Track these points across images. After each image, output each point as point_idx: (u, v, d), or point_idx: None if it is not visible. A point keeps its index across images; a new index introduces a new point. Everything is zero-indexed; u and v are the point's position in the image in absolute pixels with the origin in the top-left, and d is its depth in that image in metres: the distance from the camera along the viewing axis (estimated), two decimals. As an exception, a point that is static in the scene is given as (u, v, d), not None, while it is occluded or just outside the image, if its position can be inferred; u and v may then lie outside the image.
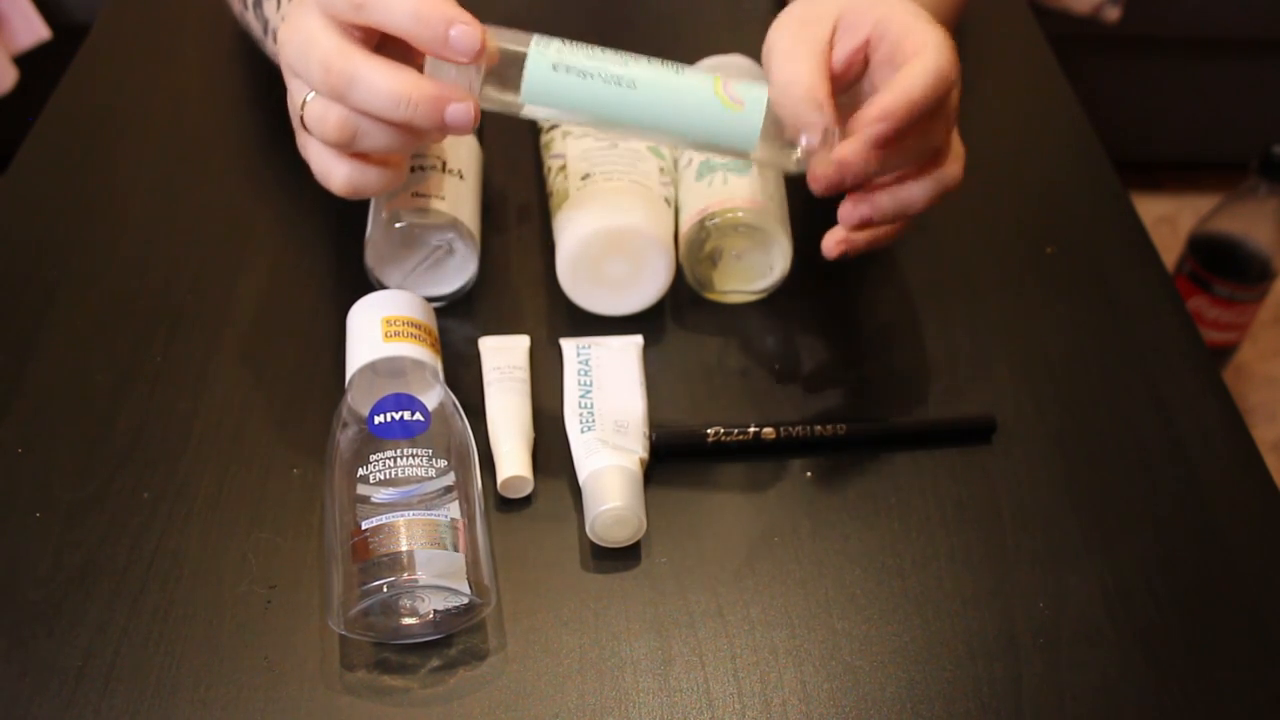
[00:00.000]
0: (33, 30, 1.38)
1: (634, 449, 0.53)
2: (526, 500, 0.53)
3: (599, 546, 0.51)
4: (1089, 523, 0.53)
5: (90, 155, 0.70)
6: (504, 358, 0.57)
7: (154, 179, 0.68)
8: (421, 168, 0.59)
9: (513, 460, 0.53)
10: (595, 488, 0.50)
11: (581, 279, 0.59)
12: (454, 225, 0.58)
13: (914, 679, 0.47)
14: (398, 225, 0.57)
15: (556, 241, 0.59)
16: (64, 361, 0.58)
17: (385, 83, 0.47)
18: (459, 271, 0.60)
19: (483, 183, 0.64)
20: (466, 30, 0.46)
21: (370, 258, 0.58)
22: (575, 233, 0.57)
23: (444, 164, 0.60)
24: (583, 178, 0.60)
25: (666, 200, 0.60)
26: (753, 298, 0.62)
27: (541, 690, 0.47)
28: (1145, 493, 0.54)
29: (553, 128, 0.65)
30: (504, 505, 0.53)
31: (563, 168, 0.61)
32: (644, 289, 0.59)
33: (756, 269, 0.60)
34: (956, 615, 0.49)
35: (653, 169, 0.61)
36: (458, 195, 0.59)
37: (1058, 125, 0.76)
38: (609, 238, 0.57)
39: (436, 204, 0.58)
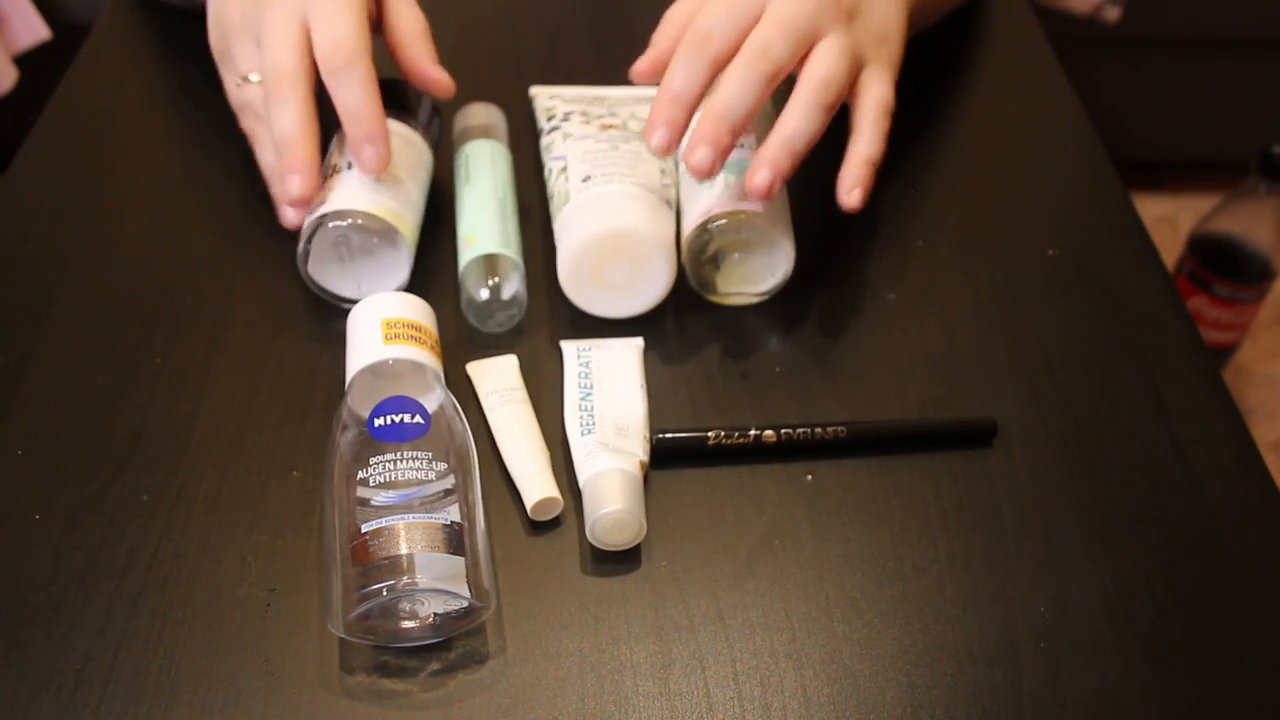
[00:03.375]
0: (33, 30, 1.38)
1: (634, 452, 0.53)
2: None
3: (599, 550, 0.51)
4: (1090, 526, 0.53)
5: (90, 155, 0.70)
6: (497, 380, 0.57)
7: (154, 179, 0.68)
8: (325, 175, 0.60)
9: (537, 482, 0.52)
10: (595, 491, 0.50)
11: (583, 281, 0.58)
12: (340, 215, 0.57)
13: (915, 683, 0.47)
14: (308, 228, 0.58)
15: (558, 244, 0.59)
16: (64, 363, 0.58)
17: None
18: (393, 261, 0.60)
19: (426, 177, 0.64)
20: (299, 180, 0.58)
21: (306, 271, 0.59)
22: (577, 235, 0.57)
23: (333, 166, 0.60)
24: (583, 180, 0.59)
25: (668, 202, 0.60)
26: (755, 300, 0.62)
27: (541, 694, 0.47)
28: (1146, 495, 0.54)
29: (554, 129, 0.65)
30: (504, 508, 0.53)
31: (564, 170, 0.61)
32: (646, 291, 0.59)
33: (759, 272, 0.60)
34: (957, 619, 0.49)
35: (654, 170, 0.61)
36: (347, 187, 0.59)
37: (1058, 125, 0.76)
38: (610, 241, 0.57)
39: (328, 201, 0.58)
